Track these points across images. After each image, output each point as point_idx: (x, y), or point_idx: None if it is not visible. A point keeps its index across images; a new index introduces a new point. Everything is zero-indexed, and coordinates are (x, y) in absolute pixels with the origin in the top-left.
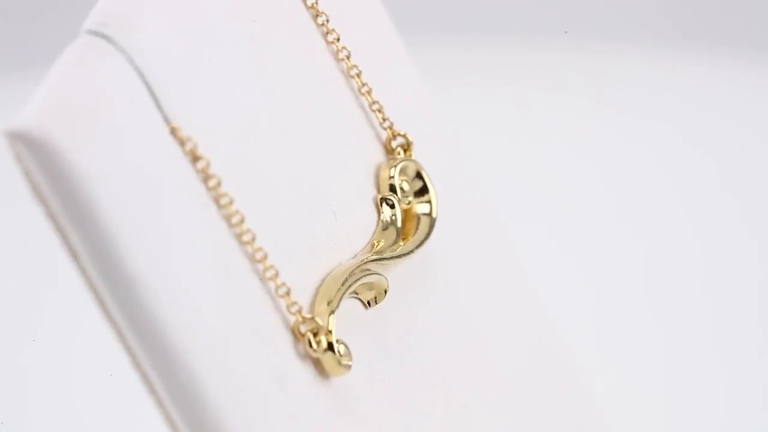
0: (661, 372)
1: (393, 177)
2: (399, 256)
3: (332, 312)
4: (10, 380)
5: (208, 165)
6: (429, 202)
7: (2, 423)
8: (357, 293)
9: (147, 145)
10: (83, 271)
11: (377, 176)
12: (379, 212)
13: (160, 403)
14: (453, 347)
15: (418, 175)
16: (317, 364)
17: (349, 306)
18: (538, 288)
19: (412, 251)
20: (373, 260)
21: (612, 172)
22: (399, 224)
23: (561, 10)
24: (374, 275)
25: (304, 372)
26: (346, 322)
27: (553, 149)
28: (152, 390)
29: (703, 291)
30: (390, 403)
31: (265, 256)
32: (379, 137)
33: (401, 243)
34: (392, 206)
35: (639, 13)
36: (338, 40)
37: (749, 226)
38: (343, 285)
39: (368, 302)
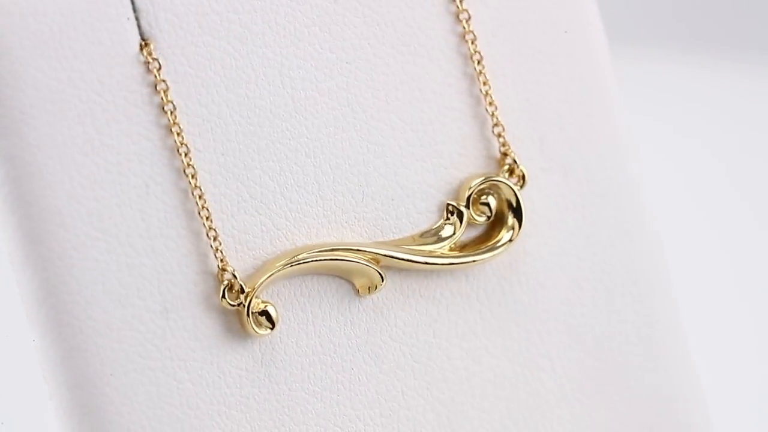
0: None
1: (472, 188)
2: (413, 259)
3: (272, 274)
4: (10, 380)
5: (167, 90)
6: (512, 229)
7: (2, 423)
8: (350, 277)
9: (102, 49)
10: None
11: (461, 184)
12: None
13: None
14: (464, 374)
15: (515, 200)
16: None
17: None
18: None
19: (436, 262)
20: (372, 249)
21: None
22: (452, 234)
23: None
24: (363, 266)
25: (210, 319)
26: (340, 300)
27: None
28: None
29: None
30: (336, 387)
31: (201, 195)
32: (490, 152)
33: (444, 252)
34: (454, 214)
35: (642, 14)
36: (474, 42)
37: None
38: (308, 255)
39: (359, 290)
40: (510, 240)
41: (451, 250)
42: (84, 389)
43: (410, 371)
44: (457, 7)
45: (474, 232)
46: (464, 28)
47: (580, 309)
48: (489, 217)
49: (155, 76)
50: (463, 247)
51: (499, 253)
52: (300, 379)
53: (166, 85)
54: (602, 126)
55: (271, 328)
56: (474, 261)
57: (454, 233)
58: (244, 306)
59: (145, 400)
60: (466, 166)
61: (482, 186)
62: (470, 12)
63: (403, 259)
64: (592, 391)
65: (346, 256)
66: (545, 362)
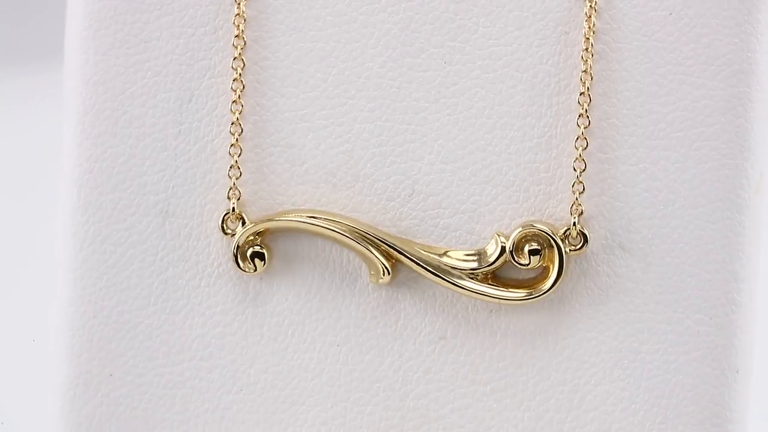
0: None
1: (519, 232)
2: (425, 265)
3: (272, 219)
4: (10, 380)
5: (243, 12)
6: (544, 288)
7: (2, 423)
8: (366, 261)
9: None
10: None
11: (519, 224)
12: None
13: None
14: (455, 400)
15: (559, 261)
16: None
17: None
18: None
19: (446, 278)
20: (385, 240)
21: None
22: (485, 264)
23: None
24: (369, 254)
25: (210, 239)
26: (356, 280)
27: None
28: None
29: None
30: (314, 355)
31: (236, 122)
32: (562, 207)
33: (469, 275)
34: (496, 247)
35: None
36: (586, 93)
37: None
38: (317, 221)
39: (369, 276)
40: (532, 297)
41: (481, 279)
42: (67, 264)
43: (400, 374)
44: (584, 60)
45: (519, 273)
46: (582, 80)
47: (613, 400)
48: (528, 265)
49: (238, 3)
50: (497, 282)
51: (512, 303)
52: (283, 332)
53: (242, 9)
54: (715, 233)
55: (255, 270)
56: (481, 295)
57: (487, 264)
58: (234, 235)
59: (124, 280)
60: (535, 209)
61: (530, 234)
62: (593, 74)
63: (414, 261)
64: None
65: (354, 237)
66: (549, 429)
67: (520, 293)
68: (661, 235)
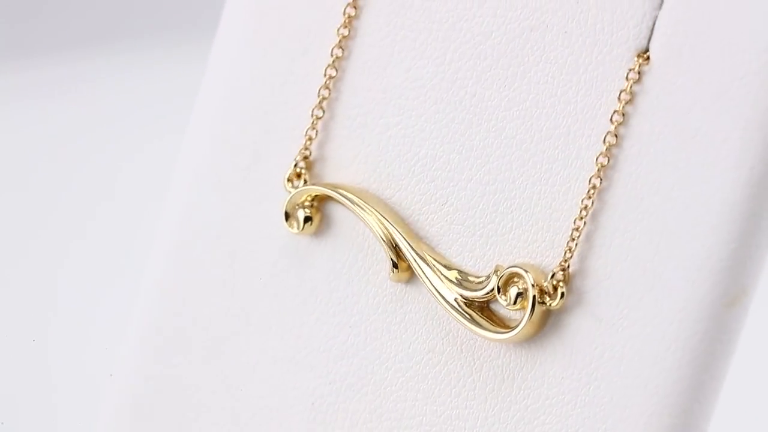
0: None
1: (506, 270)
2: (422, 266)
3: (323, 187)
4: (10, 380)
5: (351, 17)
6: (506, 337)
7: (2, 423)
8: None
9: None
10: None
11: (515, 262)
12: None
13: None
14: (425, 416)
15: (531, 310)
16: None
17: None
18: None
19: (433, 286)
20: (399, 237)
21: None
22: (471, 289)
23: None
24: (384, 245)
25: (281, 191)
26: (381, 270)
27: None
28: None
29: None
30: (326, 328)
31: (327, 84)
32: (557, 259)
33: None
34: (488, 276)
35: None
36: (608, 149)
37: None
38: (356, 200)
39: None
40: (495, 337)
41: (474, 306)
42: (178, 187)
43: (390, 373)
44: (612, 121)
45: (507, 312)
46: (605, 140)
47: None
48: (507, 305)
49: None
50: (488, 314)
51: (478, 335)
52: (313, 299)
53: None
54: (680, 332)
55: (300, 230)
56: (457, 314)
57: (475, 293)
58: (290, 192)
59: (207, 210)
60: (538, 254)
61: (518, 276)
62: (617, 134)
63: (414, 261)
64: None
65: (380, 227)
66: None
67: (485, 328)
68: (632, 317)
